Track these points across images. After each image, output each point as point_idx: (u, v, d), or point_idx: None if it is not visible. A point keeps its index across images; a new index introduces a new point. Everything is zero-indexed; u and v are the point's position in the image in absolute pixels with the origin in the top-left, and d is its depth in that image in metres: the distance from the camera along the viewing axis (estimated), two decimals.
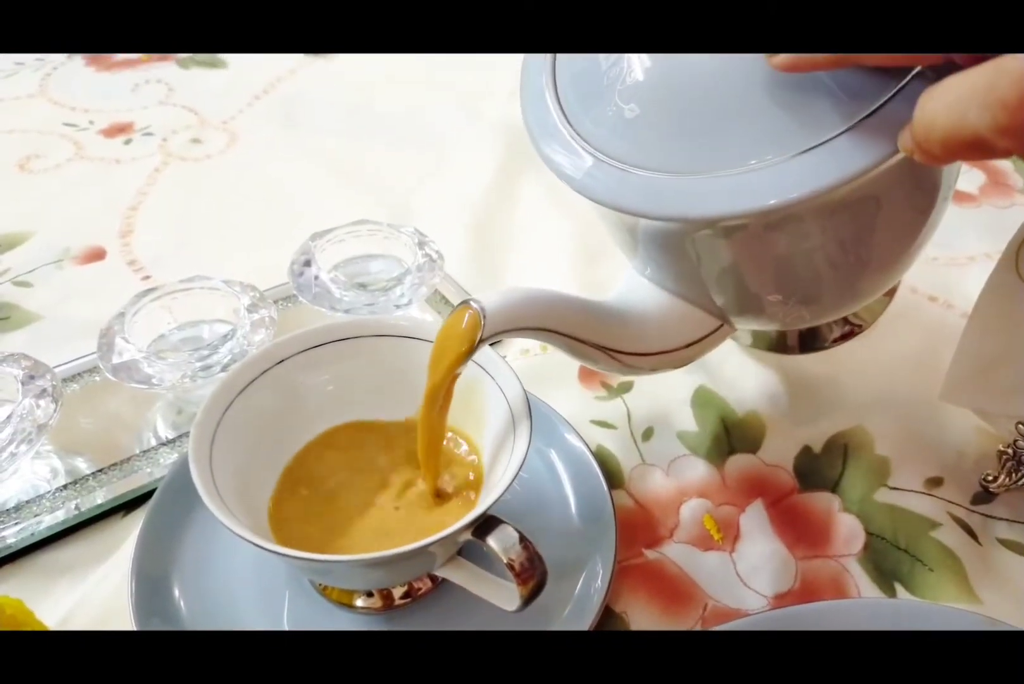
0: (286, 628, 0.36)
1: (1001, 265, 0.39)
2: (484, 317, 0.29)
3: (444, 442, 0.36)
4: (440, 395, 0.32)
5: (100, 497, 0.41)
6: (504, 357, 0.36)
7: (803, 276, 0.33)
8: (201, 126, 0.71)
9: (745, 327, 0.37)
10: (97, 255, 0.57)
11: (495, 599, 0.33)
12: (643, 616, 0.37)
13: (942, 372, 0.45)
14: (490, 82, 0.76)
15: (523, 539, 0.30)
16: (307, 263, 0.48)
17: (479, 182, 0.64)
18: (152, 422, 0.45)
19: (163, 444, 0.44)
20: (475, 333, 0.29)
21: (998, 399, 0.41)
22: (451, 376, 0.32)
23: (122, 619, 0.35)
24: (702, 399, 0.46)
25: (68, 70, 0.79)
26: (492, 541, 0.30)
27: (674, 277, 0.35)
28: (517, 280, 0.55)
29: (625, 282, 0.36)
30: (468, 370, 0.36)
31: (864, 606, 0.34)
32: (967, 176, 0.64)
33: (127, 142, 0.69)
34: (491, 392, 0.36)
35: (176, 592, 0.36)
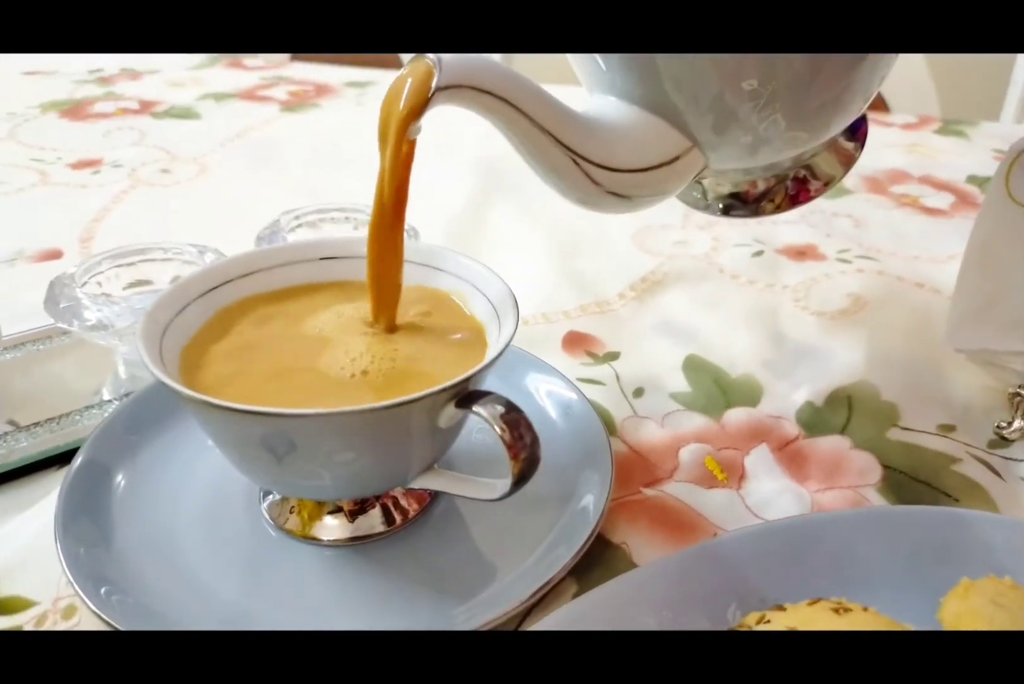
0: (239, 571, 0.31)
1: (991, 192, 0.38)
2: (439, 67, 0.27)
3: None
4: (397, 167, 0.29)
5: (32, 449, 0.37)
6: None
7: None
8: (171, 160, 0.70)
9: (715, 150, 0.34)
10: (53, 255, 0.55)
11: (479, 493, 0.29)
12: (646, 547, 0.32)
13: (938, 340, 0.43)
14: (461, 128, 0.77)
15: (513, 407, 0.27)
16: (275, 232, 0.46)
17: (453, 204, 0.63)
18: (99, 390, 0.42)
19: (107, 401, 0.40)
20: (428, 82, 0.27)
21: (1005, 333, 0.39)
22: (404, 138, 0.28)
23: (49, 558, 0.30)
24: (693, 364, 0.44)
25: (40, 122, 0.79)
26: (480, 408, 0.27)
27: (640, 67, 0.33)
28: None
29: (589, 101, 0.35)
30: (446, 281, 0.34)
31: (906, 514, 0.30)
32: (936, 197, 0.64)
33: (95, 173, 0.68)
34: (476, 300, 0.33)
35: (111, 532, 0.32)
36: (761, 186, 0.40)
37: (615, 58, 0.34)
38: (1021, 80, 0.92)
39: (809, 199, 0.40)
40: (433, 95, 0.27)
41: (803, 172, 0.40)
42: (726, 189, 0.41)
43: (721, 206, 0.41)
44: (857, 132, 0.40)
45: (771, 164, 0.39)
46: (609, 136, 0.33)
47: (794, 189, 0.40)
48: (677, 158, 0.34)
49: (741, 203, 0.40)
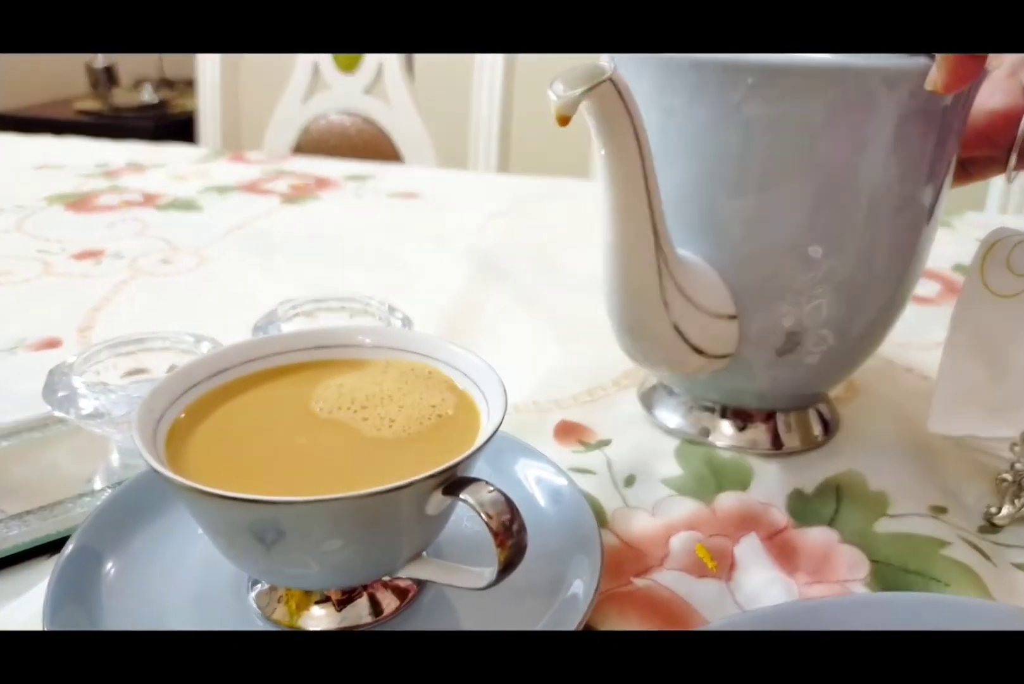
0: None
1: (968, 282, 0.39)
2: (614, 66, 0.30)
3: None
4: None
5: (24, 537, 0.37)
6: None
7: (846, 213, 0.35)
8: (172, 251, 0.72)
9: (751, 328, 0.38)
10: (52, 344, 0.56)
11: (466, 582, 0.29)
12: None
13: (926, 426, 0.43)
14: (459, 220, 0.79)
15: (500, 495, 0.27)
16: (272, 322, 0.47)
17: (448, 293, 0.65)
18: (92, 477, 0.42)
19: (99, 489, 0.40)
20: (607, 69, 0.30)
21: (989, 420, 0.40)
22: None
23: None
24: (686, 449, 0.44)
25: (47, 214, 0.82)
26: (467, 495, 0.27)
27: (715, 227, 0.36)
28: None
29: None
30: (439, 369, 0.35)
31: (895, 600, 0.30)
32: (924, 286, 0.66)
33: (97, 263, 0.69)
34: (470, 390, 0.34)
35: (99, 620, 0.31)
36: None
37: (696, 220, 0.37)
38: None
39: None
40: (604, 81, 0.30)
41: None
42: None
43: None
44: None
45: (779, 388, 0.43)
46: (687, 263, 0.37)
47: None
48: (720, 318, 0.38)
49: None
